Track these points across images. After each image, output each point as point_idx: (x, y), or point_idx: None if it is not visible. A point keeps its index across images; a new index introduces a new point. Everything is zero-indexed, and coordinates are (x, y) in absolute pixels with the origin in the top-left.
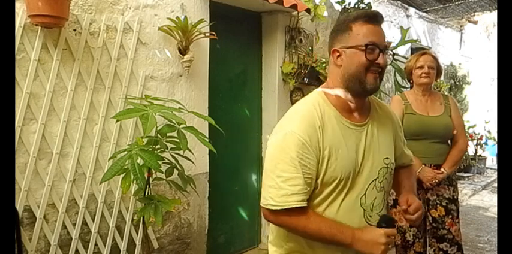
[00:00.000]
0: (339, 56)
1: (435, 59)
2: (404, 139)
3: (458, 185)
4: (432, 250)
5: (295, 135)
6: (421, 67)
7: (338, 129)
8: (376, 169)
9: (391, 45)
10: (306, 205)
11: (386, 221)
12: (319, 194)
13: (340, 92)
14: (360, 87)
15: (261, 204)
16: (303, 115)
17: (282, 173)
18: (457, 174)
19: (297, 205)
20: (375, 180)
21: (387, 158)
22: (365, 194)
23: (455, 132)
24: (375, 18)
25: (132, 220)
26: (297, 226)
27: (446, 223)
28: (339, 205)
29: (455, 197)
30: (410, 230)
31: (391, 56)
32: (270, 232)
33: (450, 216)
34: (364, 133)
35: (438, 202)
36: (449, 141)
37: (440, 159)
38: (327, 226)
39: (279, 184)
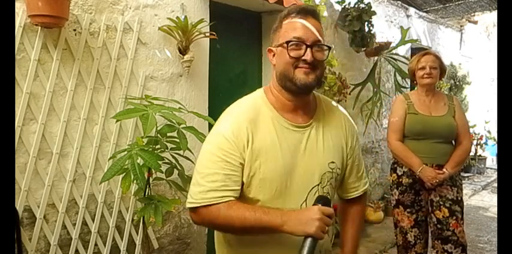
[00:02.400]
0: (274, 55)
1: (437, 58)
2: (362, 162)
3: None
4: (436, 251)
5: (221, 134)
6: (423, 68)
7: (273, 129)
8: (319, 174)
9: (391, 45)
10: (227, 199)
11: (322, 201)
12: (254, 200)
13: (277, 92)
14: (292, 84)
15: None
16: (235, 116)
17: (201, 169)
18: (460, 174)
19: (215, 202)
20: (318, 185)
21: (332, 162)
22: (306, 200)
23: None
24: (303, 12)
25: (132, 220)
26: (217, 220)
27: (451, 224)
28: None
29: (459, 198)
30: (411, 231)
31: (326, 51)
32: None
33: (454, 217)
34: (306, 135)
35: (441, 203)
36: (453, 142)
37: (443, 159)
38: (251, 211)
39: (198, 181)
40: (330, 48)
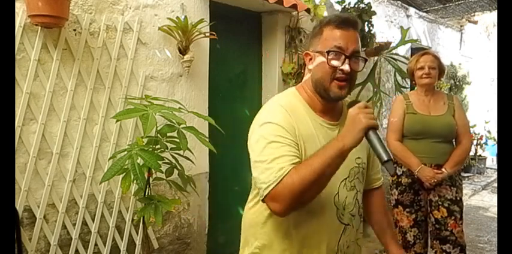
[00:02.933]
0: (310, 59)
1: (436, 58)
2: (376, 158)
3: None
4: (434, 251)
5: (273, 123)
6: (422, 68)
7: (310, 123)
8: (347, 169)
9: (391, 45)
10: (292, 166)
11: (350, 105)
12: None
13: (311, 93)
14: (325, 93)
15: (262, 199)
16: (277, 108)
17: (265, 157)
18: (460, 174)
19: (287, 171)
20: (346, 179)
21: (359, 158)
22: (338, 193)
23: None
24: (345, 23)
25: (132, 220)
26: (295, 186)
27: (449, 225)
28: (315, 203)
29: (459, 198)
30: (411, 231)
31: (362, 62)
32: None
33: (453, 217)
34: (336, 132)
35: (440, 203)
36: (453, 141)
37: (442, 158)
38: (314, 158)
39: (266, 167)
40: (366, 60)
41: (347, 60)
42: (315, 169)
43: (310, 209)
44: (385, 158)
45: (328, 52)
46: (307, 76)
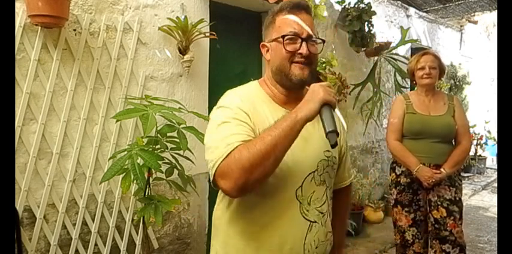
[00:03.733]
0: (267, 50)
1: (436, 58)
2: (349, 158)
3: None
4: (434, 251)
5: (225, 108)
6: (422, 68)
7: (270, 115)
8: (315, 161)
9: (391, 45)
10: (243, 141)
11: (311, 79)
12: None
13: (272, 86)
14: (287, 79)
15: (212, 179)
16: (235, 95)
17: (214, 138)
18: (460, 174)
19: (234, 147)
20: (314, 172)
21: (328, 151)
22: (301, 186)
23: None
24: (296, 7)
25: (132, 220)
26: (246, 160)
27: (448, 225)
28: (272, 195)
29: (458, 198)
30: (409, 230)
31: (319, 45)
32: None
33: (452, 217)
34: None
35: (439, 203)
36: (453, 141)
37: (441, 158)
38: (268, 132)
39: (214, 146)
40: (323, 41)
41: (304, 44)
42: (265, 141)
43: (269, 203)
44: (330, 128)
45: (283, 36)
46: (266, 69)
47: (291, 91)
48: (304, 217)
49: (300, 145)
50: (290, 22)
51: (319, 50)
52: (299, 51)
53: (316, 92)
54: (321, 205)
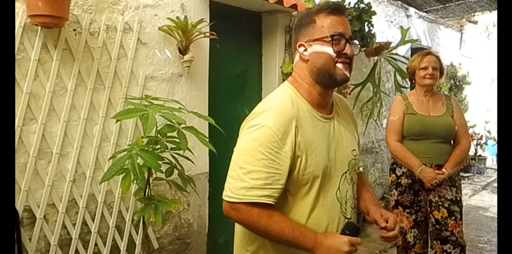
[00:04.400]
0: (305, 50)
1: (438, 59)
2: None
3: None
4: (434, 251)
5: (268, 129)
6: (425, 68)
7: (311, 122)
8: (346, 162)
9: (391, 45)
10: (269, 202)
11: (350, 229)
12: (299, 192)
13: (309, 87)
14: (330, 79)
15: (222, 197)
16: (279, 109)
17: (244, 165)
18: (460, 174)
19: (257, 200)
20: (346, 172)
21: (354, 150)
22: (339, 187)
23: (456, 127)
24: (337, 9)
25: (132, 220)
26: (257, 224)
27: (449, 225)
28: (319, 203)
29: (458, 198)
30: (411, 232)
31: (358, 46)
32: (234, 237)
33: (453, 217)
34: (332, 126)
35: (440, 203)
36: (452, 142)
37: (442, 159)
38: (289, 228)
39: (239, 176)
40: (366, 47)
41: (348, 44)
42: (280, 236)
43: (318, 211)
44: None
45: (332, 36)
46: (299, 68)
47: (327, 92)
48: (344, 217)
49: (333, 147)
50: (334, 23)
51: (357, 51)
52: (344, 51)
53: (339, 252)
54: (352, 203)
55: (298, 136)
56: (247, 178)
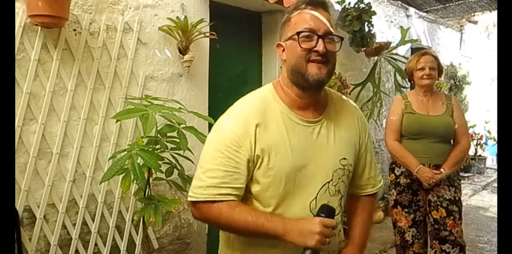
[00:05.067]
0: (283, 50)
1: (435, 58)
2: (374, 160)
3: None
4: (433, 251)
5: (226, 129)
6: (422, 68)
7: (283, 125)
8: (330, 171)
9: (391, 45)
10: (227, 199)
11: (325, 211)
12: (262, 197)
13: (288, 88)
14: (303, 79)
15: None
16: (242, 110)
17: (203, 164)
18: (459, 174)
19: (213, 199)
20: (329, 182)
21: (344, 159)
22: (316, 198)
23: (456, 126)
24: (312, 3)
25: (132, 220)
26: (219, 219)
27: (448, 225)
28: (284, 209)
29: (457, 198)
30: (409, 231)
31: (338, 43)
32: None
33: (452, 217)
34: (316, 131)
35: (439, 203)
36: (452, 142)
37: (440, 159)
38: (254, 216)
39: (199, 175)
40: (342, 39)
41: (320, 41)
42: (245, 227)
43: (280, 216)
44: None
45: (298, 33)
46: (282, 69)
47: (308, 94)
48: None
49: (316, 155)
50: (305, 18)
51: (338, 48)
52: (315, 49)
53: (309, 235)
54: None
55: (260, 137)
56: (204, 177)
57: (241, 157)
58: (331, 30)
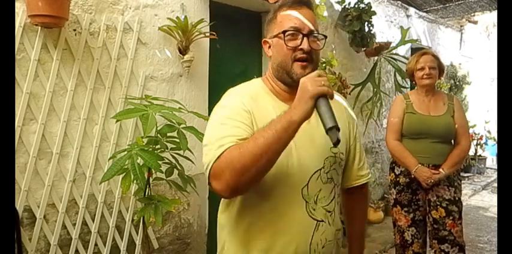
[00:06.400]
0: (269, 46)
1: (436, 58)
2: (363, 152)
3: None
4: (433, 251)
5: (226, 106)
6: (422, 68)
7: (273, 111)
8: (322, 158)
9: (391, 45)
10: (233, 143)
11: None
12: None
13: (274, 83)
14: (289, 77)
15: (208, 181)
16: (236, 93)
17: (209, 140)
18: (459, 174)
19: (222, 151)
20: (320, 169)
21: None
22: (307, 185)
23: (456, 126)
24: (297, 2)
25: (132, 220)
26: (237, 161)
27: (447, 224)
28: (275, 195)
29: (457, 198)
30: (408, 230)
31: (321, 41)
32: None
33: (451, 217)
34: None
35: (438, 203)
36: (452, 142)
37: (440, 159)
38: (261, 132)
39: (209, 148)
40: (325, 37)
41: (305, 39)
42: (258, 142)
43: (272, 203)
44: (330, 125)
45: (284, 32)
46: (269, 65)
47: (293, 88)
48: (310, 216)
49: (305, 141)
50: (291, 17)
51: (321, 46)
52: (300, 47)
53: (304, 89)
54: (328, 204)
55: (255, 117)
56: (215, 145)
57: (242, 125)
58: (314, 28)
